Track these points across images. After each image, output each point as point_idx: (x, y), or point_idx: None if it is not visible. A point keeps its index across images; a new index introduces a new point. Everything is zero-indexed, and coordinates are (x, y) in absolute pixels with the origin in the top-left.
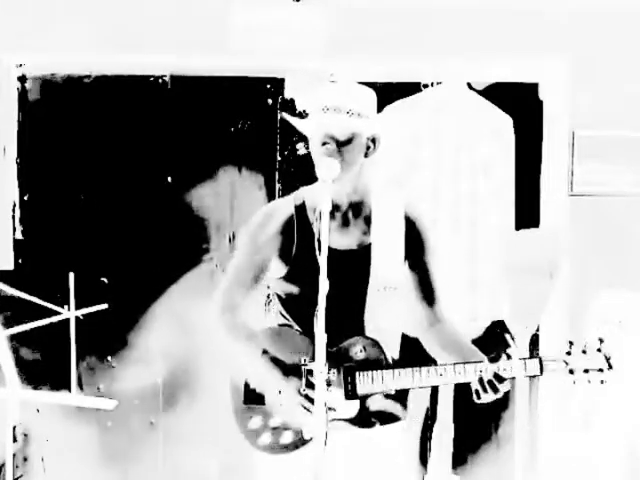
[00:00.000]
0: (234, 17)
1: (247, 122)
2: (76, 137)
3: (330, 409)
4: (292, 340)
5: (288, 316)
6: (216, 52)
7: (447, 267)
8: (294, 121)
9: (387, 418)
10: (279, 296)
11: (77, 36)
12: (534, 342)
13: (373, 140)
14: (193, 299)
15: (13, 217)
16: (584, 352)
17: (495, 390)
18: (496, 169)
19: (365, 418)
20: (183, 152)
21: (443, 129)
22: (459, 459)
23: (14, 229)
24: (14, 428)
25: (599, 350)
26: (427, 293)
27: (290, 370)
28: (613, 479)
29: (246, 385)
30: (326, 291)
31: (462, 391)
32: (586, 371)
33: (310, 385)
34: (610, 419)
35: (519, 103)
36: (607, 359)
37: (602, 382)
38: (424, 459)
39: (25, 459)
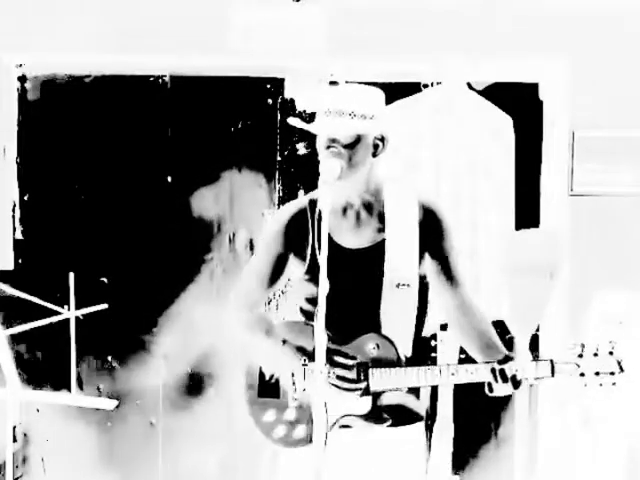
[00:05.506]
0: (234, 17)
1: (247, 122)
2: (76, 137)
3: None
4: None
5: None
6: (216, 52)
7: None
8: (304, 125)
9: (401, 413)
10: (305, 297)
11: (77, 36)
12: (534, 342)
13: (382, 139)
14: (194, 298)
15: (13, 217)
16: (595, 355)
17: (505, 380)
18: (496, 169)
19: (378, 413)
20: (183, 152)
21: (443, 129)
22: (459, 459)
23: (14, 229)
24: (14, 428)
25: (611, 353)
26: (449, 278)
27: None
28: (613, 479)
29: (261, 378)
30: (326, 291)
31: (462, 391)
32: (597, 374)
33: (333, 364)
34: (610, 419)
35: (519, 103)
36: (619, 362)
37: (614, 384)
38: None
39: (25, 459)
